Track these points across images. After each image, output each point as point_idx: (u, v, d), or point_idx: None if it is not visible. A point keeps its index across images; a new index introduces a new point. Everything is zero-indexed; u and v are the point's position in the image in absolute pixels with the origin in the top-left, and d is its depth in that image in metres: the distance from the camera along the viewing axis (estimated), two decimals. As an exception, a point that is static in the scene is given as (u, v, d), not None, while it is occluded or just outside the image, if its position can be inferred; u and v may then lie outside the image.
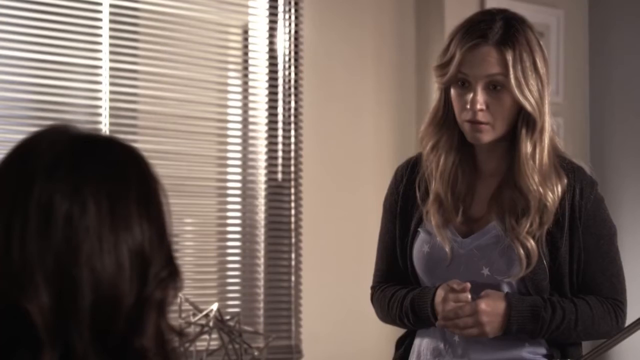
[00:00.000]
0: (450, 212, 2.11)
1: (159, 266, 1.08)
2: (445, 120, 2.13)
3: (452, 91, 2.08)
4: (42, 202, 1.04)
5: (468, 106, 2.04)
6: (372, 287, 2.29)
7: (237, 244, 3.61)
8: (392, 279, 2.23)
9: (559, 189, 2.07)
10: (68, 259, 1.03)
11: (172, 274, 1.10)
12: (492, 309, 2.03)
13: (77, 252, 1.04)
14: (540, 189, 2.05)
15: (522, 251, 2.04)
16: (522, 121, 2.06)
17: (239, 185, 3.61)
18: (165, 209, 1.12)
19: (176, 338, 1.11)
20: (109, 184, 1.08)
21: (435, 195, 2.13)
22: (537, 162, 2.06)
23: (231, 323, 3.12)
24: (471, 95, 2.03)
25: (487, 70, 2.02)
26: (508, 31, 2.03)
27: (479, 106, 2.03)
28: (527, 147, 2.06)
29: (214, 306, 3.10)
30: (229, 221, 3.61)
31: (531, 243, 2.04)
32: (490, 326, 2.03)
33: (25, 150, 1.10)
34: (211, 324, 3.05)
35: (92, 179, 1.07)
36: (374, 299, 2.27)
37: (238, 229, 3.61)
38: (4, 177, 1.09)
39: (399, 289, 2.19)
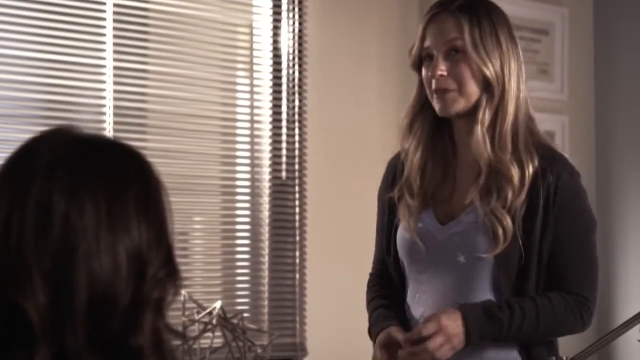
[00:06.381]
0: (419, 201, 2.11)
1: (156, 266, 1.09)
2: (421, 107, 2.13)
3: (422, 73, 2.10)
4: (41, 201, 1.05)
5: (430, 74, 2.05)
6: (370, 274, 2.32)
7: (242, 242, 3.61)
8: (383, 270, 2.26)
9: (529, 168, 2.04)
10: (65, 258, 1.04)
11: (170, 274, 1.11)
12: (452, 320, 1.99)
13: (74, 252, 1.04)
14: (493, 158, 2.03)
15: (498, 227, 2.00)
16: (483, 90, 2.04)
17: (243, 183, 3.62)
18: (167, 209, 1.13)
19: (175, 338, 1.12)
20: (107, 185, 1.08)
21: (405, 186, 2.14)
22: (496, 131, 2.04)
23: (235, 321, 3.13)
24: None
25: (445, 36, 2.04)
26: (469, 2, 2.05)
27: (438, 72, 2.03)
28: (485, 114, 2.04)
29: (218, 304, 3.11)
30: (234, 219, 3.62)
31: (507, 220, 2.01)
32: (458, 338, 1.99)
33: (27, 150, 1.11)
34: (214, 321, 3.05)
35: (91, 180, 1.08)
36: (367, 288, 2.30)
37: (243, 227, 3.62)
38: (6, 176, 1.10)
39: (378, 307, 2.20)
